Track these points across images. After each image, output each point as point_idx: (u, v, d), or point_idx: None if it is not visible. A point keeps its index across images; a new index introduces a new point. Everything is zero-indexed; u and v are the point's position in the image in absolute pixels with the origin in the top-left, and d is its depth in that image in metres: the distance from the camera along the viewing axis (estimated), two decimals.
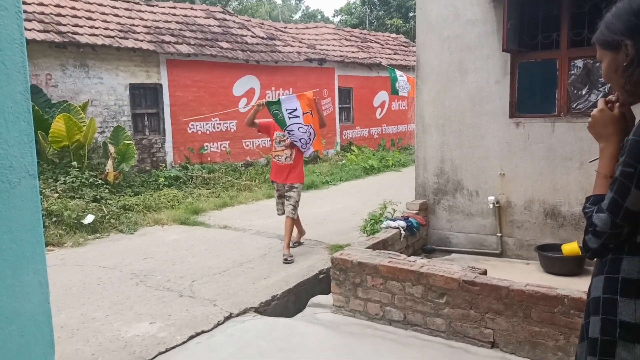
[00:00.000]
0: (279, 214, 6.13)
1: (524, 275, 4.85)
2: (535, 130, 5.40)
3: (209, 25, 13.01)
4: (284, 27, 17.04)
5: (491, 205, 5.60)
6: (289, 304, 4.87)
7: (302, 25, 19.41)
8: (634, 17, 1.40)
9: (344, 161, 13.88)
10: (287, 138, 5.79)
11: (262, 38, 14.01)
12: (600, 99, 1.57)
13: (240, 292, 4.83)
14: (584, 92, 5.34)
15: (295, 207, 5.92)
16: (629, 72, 1.42)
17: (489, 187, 5.67)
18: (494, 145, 5.61)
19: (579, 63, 5.33)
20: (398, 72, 12.11)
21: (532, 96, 5.69)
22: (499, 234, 5.64)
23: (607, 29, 1.46)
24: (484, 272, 3.90)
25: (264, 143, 13.24)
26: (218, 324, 4.15)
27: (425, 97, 6.00)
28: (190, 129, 11.52)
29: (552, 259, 5.10)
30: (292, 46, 14.49)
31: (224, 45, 12.33)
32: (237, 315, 4.33)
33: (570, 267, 4.99)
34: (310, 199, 9.52)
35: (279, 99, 5.77)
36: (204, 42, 11.99)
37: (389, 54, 17.95)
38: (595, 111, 1.55)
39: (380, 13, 29.71)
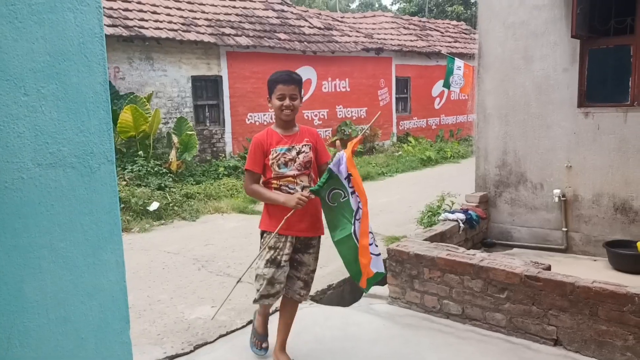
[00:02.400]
0: (267, 300, 3.22)
1: (591, 272, 4.63)
2: (605, 120, 5.12)
3: (268, 17, 13.18)
4: (341, 17, 17.00)
5: (557, 199, 5.38)
6: (344, 293, 4.90)
7: (360, 15, 19.28)
8: None
9: (400, 152, 13.74)
10: (300, 154, 3.12)
11: (319, 28, 14.04)
12: None
13: None
14: None
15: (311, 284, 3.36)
16: None
17: (555, 179, 5.44)
18: (561, 136, 5.37)
19: None
20: (457, 63, 11.79)
21: (602, 85, 5.40)
22: (564, 229, 5.41)
23: None
24: (548, 268, 3.77)
25: (320, 134, 13.30)
26: (276, 310, 4.23)
27: (488, 86, 5.82)
28: (248, 119, 11.76)
29: (622, 256, 4.84)
30: (349, 36, 14.43)
31: (282, 36, 12.46)
32: None
33: None
34: (366, 190, 9.46)
35: (328, 173, 3.02)
36: (263, 33, 12.16)
37: (449, 42, 17.52)
38: None
39: (440, 0, 28.99)
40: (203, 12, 11.89)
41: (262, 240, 3.22)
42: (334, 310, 4.27)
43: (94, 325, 1.23)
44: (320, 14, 15.97)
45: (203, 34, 10.84)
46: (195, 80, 10.86)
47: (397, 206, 8.03)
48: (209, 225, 7.17)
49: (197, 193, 8.60)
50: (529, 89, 5.51)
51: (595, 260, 5.15)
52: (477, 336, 3.69)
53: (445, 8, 27.83)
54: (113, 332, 1.27)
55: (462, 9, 27.00)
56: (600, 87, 5.42)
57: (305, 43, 12.78)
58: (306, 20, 14.13)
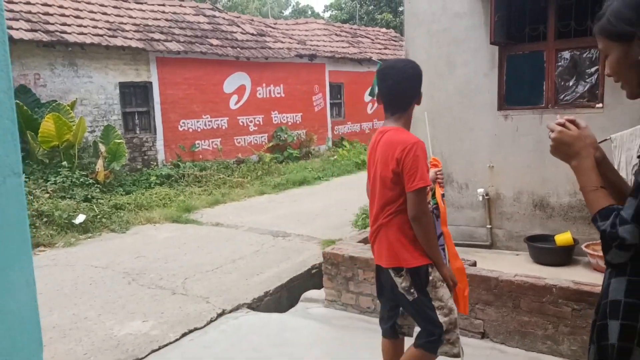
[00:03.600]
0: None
1: (514, 266, 4.89)
2: (523, 122, 5.44)
3: (199, 22, 12.96)
4: (274, 23, 17.00)
5: (480, 198, 5.64)
6: (281, 299, 4.89)
7: (292, 21, 19.37)
8: None
9: (335, 157, 13.90)
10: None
11: (252, 34, 13.97)
12: (550, 124, 1.51)
13: (233, 288, 4.84)
14: (571, 84, 5.38)
15: None
16: None
17: (479, 179, 5.71)
18: (483, 138, 5.64)
19: (566, 55, 5.37)
20: None
21: (520, 88, 5.73)
22: (488, 226, 5.68)
23: (617, 19, 1.33)
24: (474, 264, 3.94)
25: (256, 140, 13.23)
26: (211, 321, 4.16)
27: None
28: (181, 126, 11.49)
29: (541, 250, 5.15)
30: (282, 42, 14.46)
31: (214, 42, 12.29)
32: (230, 311, 4.34)
33: (559, 257, 5.04)
34: (303, 195, 9.53)
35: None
36: (194, 39, 11.94)
37: (380, 49, 17.96)
38: (554, 134, 1.50)
39: (370, 8, 29.67)
40: (130, 17, 11.52)
41: (429, 277, 2.54)
42: (271, 317, 4.25)
43: (1, 350, 1.15)
44: (252, 20, 15.90)
45: (131, 39, 10.49)
46: (124, 86, 10.49)
47: (334, 210, 8.11)
48: (139, 237, 6.93)
49: (127, 203, 8.28)
50: (453, 94, 5.75)
51: (517, 255, 5.44)
52: None
53: (375, 16, 28.50)
54: (24, 356, 1.19)
55: (391, 16, 27.76)
56: (518, 91, 5.74)
57: (238, 49, 12.68)
58: (238, 27, 14.02)
